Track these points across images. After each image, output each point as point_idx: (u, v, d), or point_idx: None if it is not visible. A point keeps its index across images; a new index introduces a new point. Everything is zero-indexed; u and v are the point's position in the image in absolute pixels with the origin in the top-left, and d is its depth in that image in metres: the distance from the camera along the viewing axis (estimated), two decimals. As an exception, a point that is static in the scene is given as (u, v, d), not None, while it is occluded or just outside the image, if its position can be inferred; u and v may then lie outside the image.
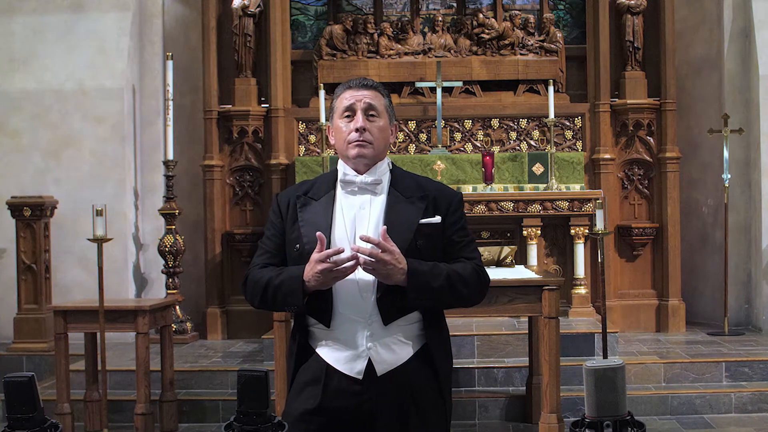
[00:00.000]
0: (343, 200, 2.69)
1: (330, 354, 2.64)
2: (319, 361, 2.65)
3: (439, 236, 2.67)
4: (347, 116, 2.68)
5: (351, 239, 2.61)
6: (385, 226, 2.55)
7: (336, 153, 2.81)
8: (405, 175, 2.77)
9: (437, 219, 2.66)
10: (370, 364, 2.60)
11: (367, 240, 2.50)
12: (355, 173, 2.69)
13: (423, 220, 2.65)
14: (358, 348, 2.60)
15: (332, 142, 2.77)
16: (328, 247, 2.56)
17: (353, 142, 2.65)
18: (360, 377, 2.60)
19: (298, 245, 2.66)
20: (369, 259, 2.49)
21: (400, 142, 7.95)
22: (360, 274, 2.56)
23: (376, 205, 2.67)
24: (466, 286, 2.65)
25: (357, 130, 2.65)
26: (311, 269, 2.54)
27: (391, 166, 2.76)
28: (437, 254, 2.65)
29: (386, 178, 2.72)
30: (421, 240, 2.62)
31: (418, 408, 2.64)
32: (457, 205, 2.73)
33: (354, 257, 2.51)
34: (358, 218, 2.65)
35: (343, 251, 2.52)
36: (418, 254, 2.59)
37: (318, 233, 2.55)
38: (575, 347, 6.36)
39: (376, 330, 2.60)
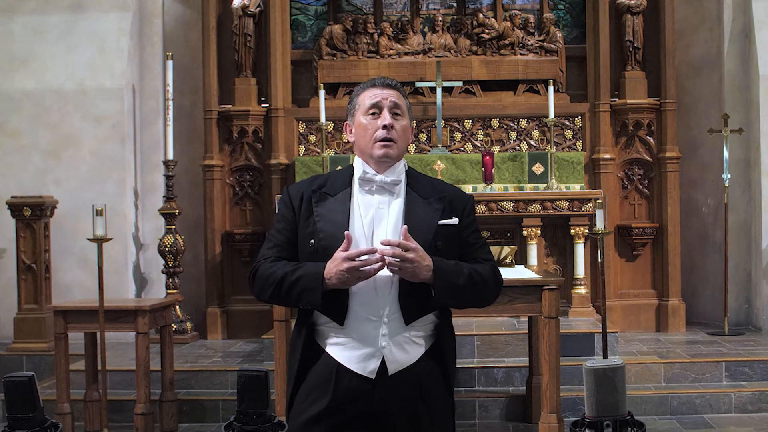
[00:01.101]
0: (360, 198, 2.68)
1: (341, 353, 2.62)
2: (329, 361, 2.63)
3: (455, 238, 2.69)
4: (372, 113, 2.69)
5: (369, 238, 2.62)
6: (405, 226, 2.56)
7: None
8: (420, 177, 2.79)
9: (455, 220, 2.69)
10: (382, 364, 2.59)
11: (388, 243, 2.51)
12: (375, 172, 2.69)
13: (441, 221, 2.66)
14: (372, 347, 2.59)
15: (351, 140, 2.77)
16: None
17: (379, 141, 2.66)
18: (372, 377, 2.59)
19: (313, 240, 2.64)
20: (394, 259, 2.49)
21: (400, 142, 7.93)
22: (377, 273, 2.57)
23: (395, 204, 2.67)
24: (486, 286, 2.69)
25: (384, 127, 2.66)
26: (335, 267, 2.52)
27: (407, 167, 2.78)
28: (455, 256, 2.67)
29: (403, 179, 2.73)
30: (440, 241, 2.64)
31: (427, 407, 2.64)
32: (471, 208, 2.77)
33: (382, 258, 2.51)
34: (376, 217, 2.65)
35: (375, 251, 2.52)
36: (438, 255, 2.60)
37: (346, 232, 2.55)
38: (575, 347, 6.36)
39: (392, 329, 2.60)
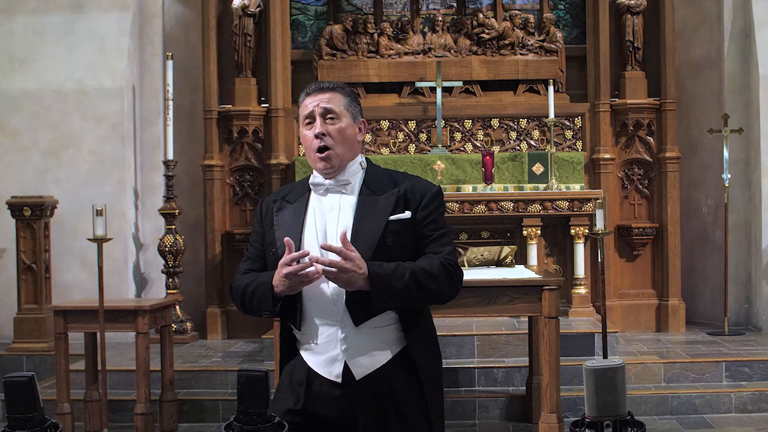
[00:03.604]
0: (315, 202, 2.70)
1: (311, 358, 2.66)
2: (303, 364, 2.67)
3: (410, 232, 2.64)
4: (308, 123, 2.69)
5: (321, 241, 2.61)
6: (344, 230, 2.53)
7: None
8: (380, 172, 2.75)
9: (407, 214, 2.63)
10: (347, 368, 2.60)
11: (328, 248, 2.48)
12: (323, 177, 2.70)
13: (392, 217, 2.62)
14: (333, 351, 2.61)
15: (304, 149, 2.77)
16: (298, 250, 2.56)
17: (317, 153, 2.66)
18: (339, 380, 2.60)
19: (273, 249, 2.67)
20: (330, 269, 2.46)
21: (400, 142, 7.95)
22: None
23: (346, 205, 2.66)
24: (434, 281, 2.58)
25: (316, 136, 2.65)
26: (278, 273, 2.55)
27: (365, 164, 2.75)
28: (407, 251, 2.62)
29: (358, 177, 2.71)
30: (389, 237, 2.60)
31: (398, 412, 2.63)
32: (430, 199, 2.68)
33: (314, 263, 2.50)
34: (328, 220, 2.65)
35: (308, 254, 2.52)
36: (387, 252, 2.57)
37: (285, 238, 2.55)
38: (575, 347, 6.36)
39: (350, 333, 2.59)
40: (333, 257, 2.49)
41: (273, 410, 2.68)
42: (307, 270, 2.50)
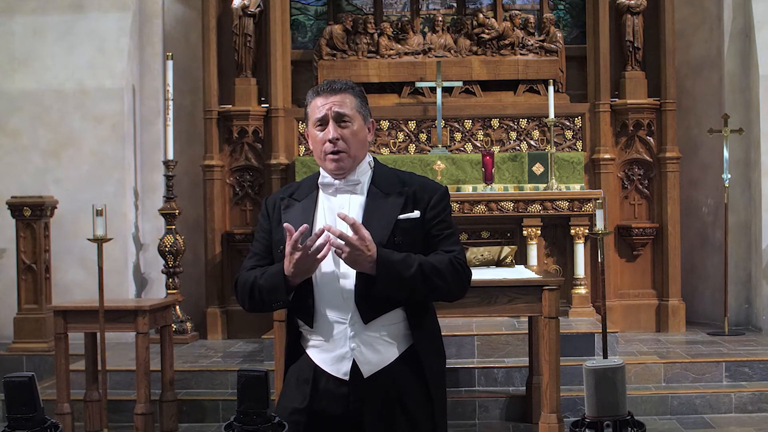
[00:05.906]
0: (324, 201, 2.70)
1: (317, 355, 2.66)
2: (308, 362, 2.67)
3: (418, 232, 2.65)
4: (320, 125, 2.67)
5: (333, 240, 2.60)
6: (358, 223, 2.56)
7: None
8: (387, 172, 2.76)
9: (416, 214, 2.65)
10: (356, 366, 2.60)
11: (343, 218, 2.50)
12: (333, 177, 2.70)
13: (401, 216, 2.63)
14: (342, 349, 2.61)
15: (311, 147, 2.76)
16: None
17: (329, 154, 2.65)
18: (346, 378, 2.61)
19: (282, 246, 2.65)
20: (339, 241, 2.48)
21: (400, 142, 7.95)
22: (342, 274, 2.58)
23: (355, 204, 2.67)
24: (442, 278, 2.60)
25: (330, 141, 2.64)
26: (287, 261, 2.55)
27: (372, 163, 2.75)
28: (416, 251, 2.62)
29: (367, 177, 2.71)
30: (399, 236, 2.61)
31: (404, 410, 2.63)
32: (438, 199, 2.70)
33: (322, 231, 2.50)
34: (338, 219, 2.64)
35: (307, 228, 2.52)
36: (397, 251, 2.58)
37: (285, 224, 2.55)
38: (575, 347, 6.36)
39: (359, 330, 2.60)
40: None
41: (279, 409, 2.70)
42: (316, 243, 2.49)
